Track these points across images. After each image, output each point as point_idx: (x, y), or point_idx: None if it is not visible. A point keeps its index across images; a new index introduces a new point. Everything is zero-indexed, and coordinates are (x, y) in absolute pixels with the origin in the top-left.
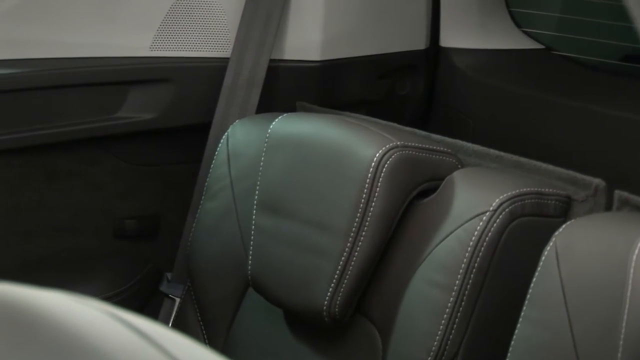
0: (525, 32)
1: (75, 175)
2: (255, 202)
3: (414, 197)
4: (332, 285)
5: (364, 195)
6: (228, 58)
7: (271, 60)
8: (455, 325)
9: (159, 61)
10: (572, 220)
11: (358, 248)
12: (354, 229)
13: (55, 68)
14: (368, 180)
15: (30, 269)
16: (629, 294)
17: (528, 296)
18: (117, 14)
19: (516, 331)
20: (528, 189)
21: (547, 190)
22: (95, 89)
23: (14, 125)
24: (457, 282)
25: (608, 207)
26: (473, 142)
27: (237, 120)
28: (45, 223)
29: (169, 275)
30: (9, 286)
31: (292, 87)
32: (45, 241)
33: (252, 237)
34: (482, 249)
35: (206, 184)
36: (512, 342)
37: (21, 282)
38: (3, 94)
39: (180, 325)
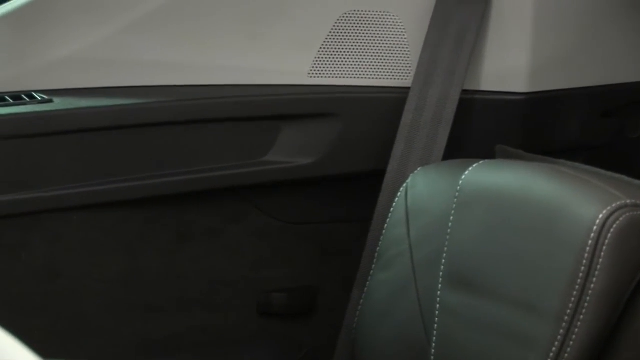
0: None
1: (211, 235)
2: (440, 273)
3: None
4: None
5: (583, 268)
6: (408, 88)
7: (463, 92)
8: None
9: (319, 91)
10: None
11: (574, 336)
12: (568, 311)
13: (190, 98)
14: (588, 248)
15: (153, 352)
16: None
17: None
18: (267, 31)
19: None
20: None
21: None
22: (240, 125)
23: (137, 169)
24: None
25: None
26: None
27: (418, 168)
28: (173, 294)
29: None
30: None
31: (490, 126)
32: (173, 317)
33: (436, 318)
34: None
35: (378, 248)
36: None
37: None
38: (126, 129)
39: None
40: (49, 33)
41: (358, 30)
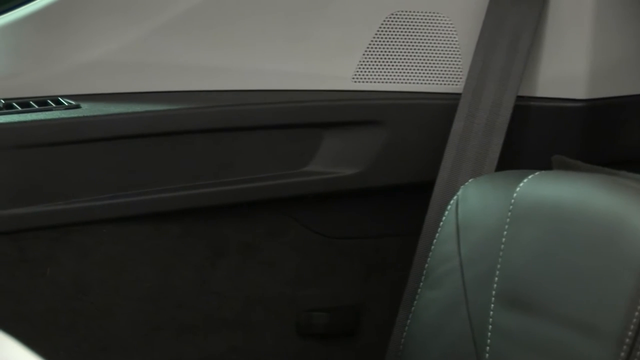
0: None
1: (247, 250)
2: (493, 292)
3: None
4: None
5: None
6: (459, 94)
7: (518, 98)
8: None
9: (364, 97)
10: None
11: (635, 359)
12: (630, 333)
13: (226, 104)
14: None
15: None
16: None
17: None
18: (308, 33)
19: None
20: None
21: None
22: (279, 133)
23: (170, 180)
24: None
25: None
26: None
27: (470, 180)
28: (207, 313)
29: None
30: None
31: (547, 134)
32: (206, 338)
33: (488, 340)
34: None
35: (426, 265)
36: None
37: None
38: (157, 137)
39: None
40: (75, 34)
41: (406, 31)
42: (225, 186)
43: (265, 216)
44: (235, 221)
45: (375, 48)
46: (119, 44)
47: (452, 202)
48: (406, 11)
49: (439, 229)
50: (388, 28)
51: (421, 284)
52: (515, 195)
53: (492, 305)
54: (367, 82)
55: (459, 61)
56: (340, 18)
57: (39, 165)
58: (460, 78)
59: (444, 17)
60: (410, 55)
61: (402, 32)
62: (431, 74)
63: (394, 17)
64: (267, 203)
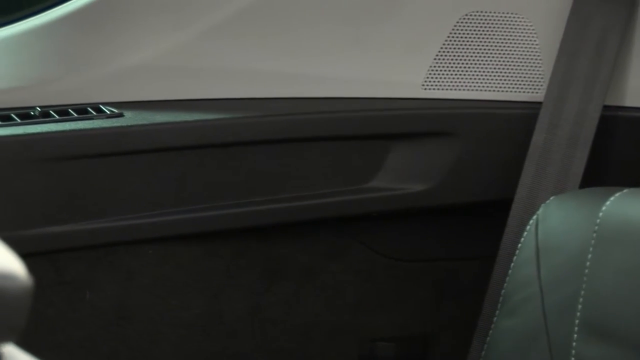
0: None
1: (305, 274)
2: (576, 321)
3: None
4: None
5: None
6: (540, 103)
7: (604, 108)
8: None
9: (435, 105)
10: None
11: None
12: None
13: (282, 113)
14: None
15: None
16: None
17: None
18: (374, 36)
19: None
20: None
21: None
22: (341, 145)
23: (222, 196)
24: None
25: None
26: None
27: (551, 198)
28: (261, 343)
29: None
30: None
31: (636, 147)
32: None
33: None
34: None
35: (502, 291)
36: None
37: None
38: (208, 149)
39: None
40: (118, 36)
41: (481, 34)
42: (281, 203)
43: (325, 236)
44: (293, 242)
45: (448, 52)
46: (165, 46)
47: (531, 222)
48: (482, 11)
49: (517, 251)
50: (462, 30)
51: (497, 311)
52: (600, 214)
53: (575, 335)
54: (438, 89)
55: (540, 67)
56: (409, 18)
57: (78, 179)
58: (541, 85)
59: (523, 18)
60: (486, 60)
61: (477, 34)
62: (509, 81)
63: (469, 18)
64: (327, 222)
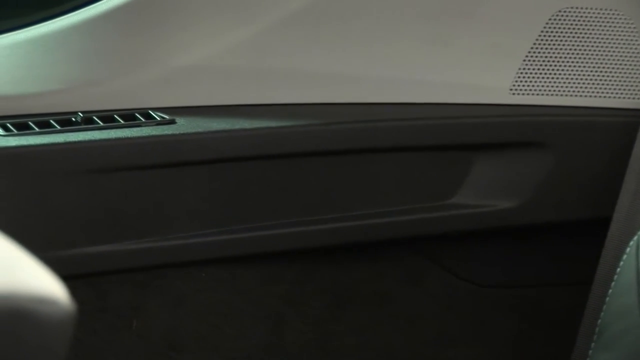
0: None
1: (378, 300)
2: None
3: None
4: None
5: None
6: None
7: None
8: None
9: (524, 112)
10: None
11: None
12: None
13: (353, 120)
14: None
15: None
16: None
17: None
18: (456, 35)
19: None
20: None
21: None
22: (418, 156)
23: (285, 213)
24: None
25: None
26: None
27: None
28: None
29: None
30: None
31: None
32: None
33: None
34: None
35: (599, 321)
36: None
37: None
38: (269, 160)
39: None
40: (169, 35)
41: (576, 33)
42: (351, 221)
43: (400, 259)
44: (363, 264)
45: (539, 53)
46: (222, 46)
47: (631, 243)
48: (577, 8)
49: (615, 276)
50: (554, 28)
51: (593, 344)
52: None
53: None
54: (527, 94)
55: None
56: (496, 16)
57: (124, 193)
58: None
59: (622, 15)
60: (581, 63)
61: (571, 33)
62: (607, 85)
63: (562, 16)
64: (402, 243)
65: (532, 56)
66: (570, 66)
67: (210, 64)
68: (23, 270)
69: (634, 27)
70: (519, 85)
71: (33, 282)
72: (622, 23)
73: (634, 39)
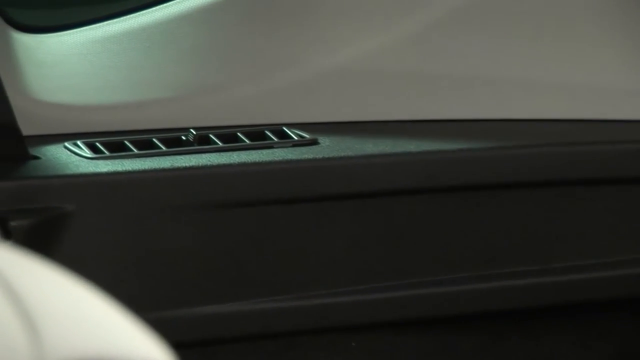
0: None
1: None
2: None
3: None
4: None
5: None
6: None
7: None
8: None
9: None
10: None
11: None
12: None
13: (552, 143)
14: None
15: None
16: None
17: None
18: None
19: None
20: None
21: None
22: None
23: (458, 261)
24: None
25: None
26: None
27: None
28: None
29: None
30: None
31: None
32: None
33: None
34: None
35: None
36: None
37: None
38: (438, 194)
39: None
40: (311, 30)
41: None
42: (550, 276)
43: (616, 323)
44: (566, 331)
45: None
46: (376, 44)
47: None
48: None
49: None
50: None
51: None
52: None
53: None
54: None
55: None
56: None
57: (249, 235)
58: None
59: None
60: None
61: None
62: None
63: None
64: (619, 304)
65: None
66: None
67: (361, 67)
68: (123, 335)
69: None
70: None
71: (135, 351)
72: None
73: None
